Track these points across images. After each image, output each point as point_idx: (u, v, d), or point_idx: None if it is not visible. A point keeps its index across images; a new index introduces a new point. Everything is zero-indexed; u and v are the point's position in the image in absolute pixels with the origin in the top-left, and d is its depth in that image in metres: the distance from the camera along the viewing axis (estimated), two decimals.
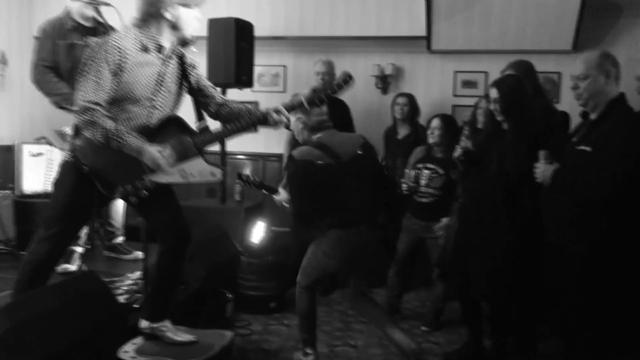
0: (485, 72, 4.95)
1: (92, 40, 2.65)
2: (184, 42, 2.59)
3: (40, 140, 4.77)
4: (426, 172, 3.75)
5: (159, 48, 2.50)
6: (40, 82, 3.49)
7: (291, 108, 2.68)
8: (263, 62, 5.12)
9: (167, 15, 2.46)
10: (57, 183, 2.60)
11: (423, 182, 3.75)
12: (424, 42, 4.91)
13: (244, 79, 4.45)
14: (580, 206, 2.50)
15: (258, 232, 4.19)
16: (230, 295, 3.55)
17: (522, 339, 3.17)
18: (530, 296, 2.96)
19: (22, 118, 5.53)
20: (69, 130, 2.85)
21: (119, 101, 2.42)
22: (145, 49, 2.45)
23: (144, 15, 2.47)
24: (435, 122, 3.80)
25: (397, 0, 4.92)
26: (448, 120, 3.87)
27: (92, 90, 2.33)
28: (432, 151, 3.82)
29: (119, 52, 2.37)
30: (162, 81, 2.52)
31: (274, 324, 3.76)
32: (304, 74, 5.20)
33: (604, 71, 2.52)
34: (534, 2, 4.57)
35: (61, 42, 3.51)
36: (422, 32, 4.83)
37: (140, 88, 2.44)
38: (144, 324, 2.70)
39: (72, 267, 3.62)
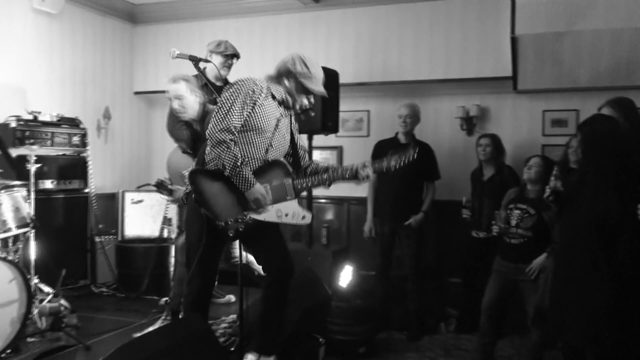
0: (576, 110, 4.81)
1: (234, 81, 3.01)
2: (304, 110, 3.00)
3: (142, 187, 5.11)
4: (517, 212, 3.67)
5: (282, 101, 2.89)
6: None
7: (378, 171, 2.94)
8: (347, 107, 5.26)
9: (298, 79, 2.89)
10: (187, 224, 3.00)
11: (513, 222, 3.66)
12: (510, 82, 4.86)
13: (330, 125, 4.57)
14: None
15: (346, 276, 4.21)
16: (322, 340, 3.57)
17: None
18: (637, 344, 2.78)
19: (123, 168, 5.95)
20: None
21: (246, 131, 2.80)
22: (273, 97, 2.85)
23: (279, 73, 2.91)
24: (535, 160, 3.74)
25: (482, 42, 4.94)
26: (547, 161, 3.80)
27: (224, 119, 2.73)
28: (524, 191, 3.74)
29: (254, 89, 2.78)
30: (278, 126, 2.89)
31: None
32: (387, 118, 5.27)
33: None
34: (626, 35, 4.43)
35: None
36: (508, 72, 4.79)
37: (265, 123, 2.82)
38: (250, 357, 2.80)
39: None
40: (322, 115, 4.41)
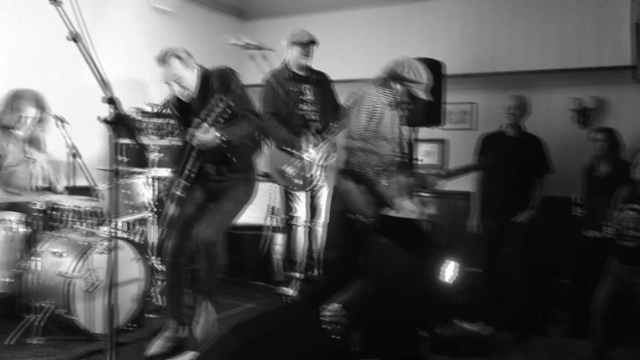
0: None
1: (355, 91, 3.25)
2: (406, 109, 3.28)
3: None
4: (631, 213, 3.42)
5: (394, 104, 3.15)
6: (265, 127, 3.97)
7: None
8: (453, 99, 5.15)
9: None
10: (331, 217, 3.22)
11: (628, 224, 3.42)
12: (629, 72, 4.53)
13: (434, 118, 4.51)
14: None
15: (449, 271, 4.15)
16: (425, 334, 3.54)
17: None
18: None
19: None
20: (289, 169, 3.42)
21: (373, 138, 3.08)
22: (389, 104, 3.14)
23: (389, 75, 3.17)
24: None
25: (599, 29, 4.65)
26: None
27: (359, 128, 3.03)
28: (637, 190, 3.49)
29: (376, 101, 3.07)
30: (401, 130, 3.23)
31: None
32: (494, 111, 5.10)
33: None
34: None
35: (280, 91, 3.95)
36: (628, 61, 4.47)
37: (390, 131, 3.10)
38: None
39: (291, 291, 4.02)
40: (426, 107, 4.36)
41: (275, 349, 2.40)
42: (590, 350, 3.62)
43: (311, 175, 4.18)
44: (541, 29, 4.86)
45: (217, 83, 3.07)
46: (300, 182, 4.27)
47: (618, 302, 3.54)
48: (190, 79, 3.17)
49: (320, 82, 4.43)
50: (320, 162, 4.26)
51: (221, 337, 2.45)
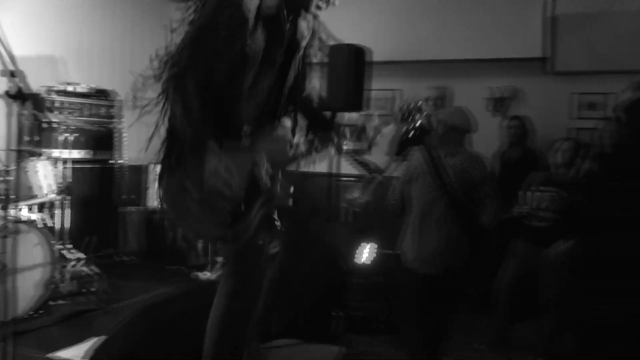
0: (609, 94, 4.69)
1: None
2: None
3: None
4: (542, 194, 3.62)
5: None
6: None
7: None
8: (379, 86, 5.20)
9: None
10: None
11: (539, 205, 3.61)
12: (540, 64, 4.76)
13: (355, 104, 4.53)
14: None
15: (366, 253, 4.22)
16: (340, 314, 3.60)
17: None
18: None
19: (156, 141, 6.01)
20: None
21: None
22: None
23: None
24: (562, 143, 3.68)
25: (513, 21, 4.82)
26: (575, 144, 3.73)
27: None
28: (552, 174, 3.69)
29: None
30: None
31: (378, 345, 3.72)
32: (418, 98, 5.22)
33: None
34: None
35: None
36: (539, 53, 4.69)
37: None
38: None
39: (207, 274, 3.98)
40: (349, 93, 4.36)
41: (185, 330, 2.36)
42: (495, 327, 3.80)
43: None
44: (461, 20, 4.99)
45: None
46: None
47: (521, 282, 3.73)
48: None
49: None
50: None
51: (130, 319, 2.39)
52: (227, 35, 1.74)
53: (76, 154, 4.61)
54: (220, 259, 4.35)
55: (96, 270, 3.94)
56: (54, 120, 4.19)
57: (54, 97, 4.55)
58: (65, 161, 4.04)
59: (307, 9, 2.06)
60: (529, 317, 4.09)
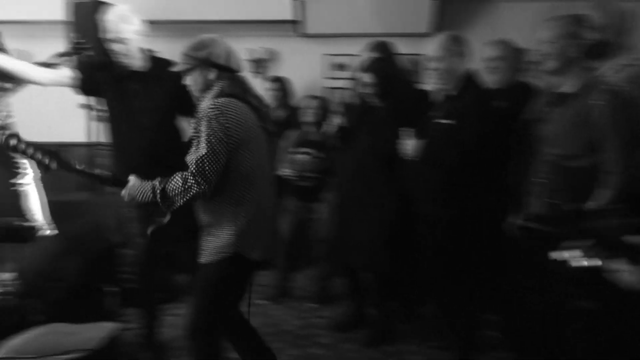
0: (354, 55, 5.13)
1: None
2: None
3: None
4: (306, 157, 3.82)
5: None
6: None
7: None
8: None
9: None
10: None
11: (301, 166, 3.82)
12: (292, 26, 5.00)
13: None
14: (446, 175, 2.75)
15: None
16: (113, 289, 3.41)
17: (403, 303, 3.42)
18: (408, 263, 3.19)
19: None
20: None
21: None
22: None
23: None
24: (308, 102, 3.88)
25: None
26: (320, 100, 3.98)
27: None
28: (307, 134, 3.90)
29: None
30: None
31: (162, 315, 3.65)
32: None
33: (456, 52, 2.78)
34: None
35: None
36: (289, 15, 4.91)
37: None
38: None
39: None
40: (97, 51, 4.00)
41: None
42: (275, 281, 4.02)
43: None
44: None
45: None
46: None
47: (296, 234, 3.97)
48: None
49: None
50: None
51: None
52: None
53: None
54: None
55: None
56: None
57: None
58: None
59: None
60: (307, 268, 4.40)
